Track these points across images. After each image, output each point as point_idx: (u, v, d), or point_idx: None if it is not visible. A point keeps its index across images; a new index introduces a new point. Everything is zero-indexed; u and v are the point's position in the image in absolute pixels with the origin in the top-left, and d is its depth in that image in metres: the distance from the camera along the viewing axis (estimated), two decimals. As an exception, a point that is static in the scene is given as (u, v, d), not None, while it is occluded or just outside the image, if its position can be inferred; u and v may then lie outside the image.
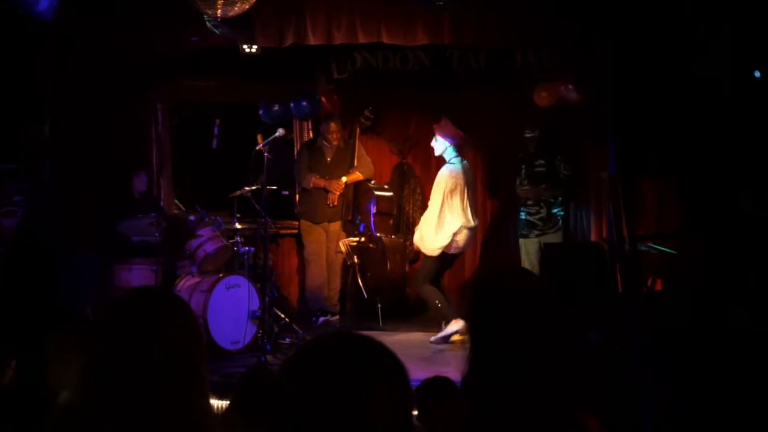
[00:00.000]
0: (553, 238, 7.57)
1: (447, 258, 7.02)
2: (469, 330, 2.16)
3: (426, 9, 6.16)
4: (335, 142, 8.10)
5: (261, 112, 8.43)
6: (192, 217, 7.24)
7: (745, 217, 5.69)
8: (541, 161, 7.66)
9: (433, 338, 6.93)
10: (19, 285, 5.50)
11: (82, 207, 6.63)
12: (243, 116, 8.76)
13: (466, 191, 6.92)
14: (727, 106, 5.76)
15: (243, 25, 6.25)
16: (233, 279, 6.80)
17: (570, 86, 7.40)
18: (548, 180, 7.59)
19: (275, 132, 6.74)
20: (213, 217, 7.20)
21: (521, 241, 7.78)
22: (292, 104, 8.28)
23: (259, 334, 6.59)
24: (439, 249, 6.88)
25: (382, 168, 8.77)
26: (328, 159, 8.13)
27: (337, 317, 8.21)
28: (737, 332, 4.68)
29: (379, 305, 7.83)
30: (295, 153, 8.66)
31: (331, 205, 8.04)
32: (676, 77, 5.85)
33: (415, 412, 3.13)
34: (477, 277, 8.34)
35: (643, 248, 6.11)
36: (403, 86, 8.57)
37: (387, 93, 8.70)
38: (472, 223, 6.94)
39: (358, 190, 8.33)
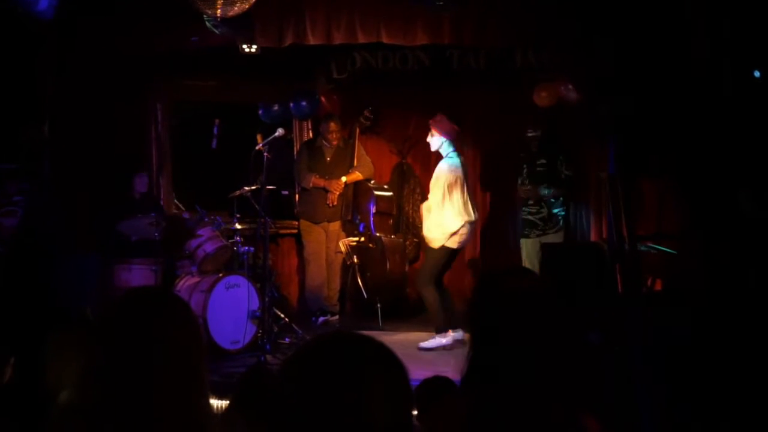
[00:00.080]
0: (554, 238, 7.57)
1: (451, 254, 7.00)
2: (470, 329, 2.16)
3: (426, 9, 6.16)
4: (335, 142, 8.10)
5: (260, 111, 8.43)
6: (186, 214, 7.23)
7: (745, 217, 5.69)
8: (543, 161, 7.66)
9: (421, 344, 6.90)
10: (19, 285, 5.50)
11: (82, 207, 6.64)
12: (242, 116, 8.76)
13: (465, 185, 6.92)
14: (727, 106, 5.76)
15: (242, 25, 6.25)
16: (233, 279, 6.80)
17: (570, 86, 7.40)
18: (549, 180, 7.59)
19: (275, 132, 6.74)
20: (213, 217, 7.19)
21: (522, 240, 7.78)
22: (291, 104, 8.28)
23: (259, 334, 6.59)
24: (446, 238, 6.84)
25: (381, 168, 8.77)
26: (328, 159, 8.13)
27: (337, 317, 8.21)
28: (737, 332, 4.68)
29: (378, 305, 7.83)
30: (295, 153, 8.66)
31: (330, 204, 8.04)
32: (676, 77, 5.85)
33: (415, 412, 3.13)
34: (479, 277, 8.33)
35: (642, 248, 6.11)
36: (402, 86, 8.57)
37: (387, 93, 8.70)
38: (473, 218, 6.94)
39: (358, 189, 8.33)
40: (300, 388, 1.41)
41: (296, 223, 8.50)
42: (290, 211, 8.66)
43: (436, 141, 7.01)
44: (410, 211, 8.80)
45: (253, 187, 7.00)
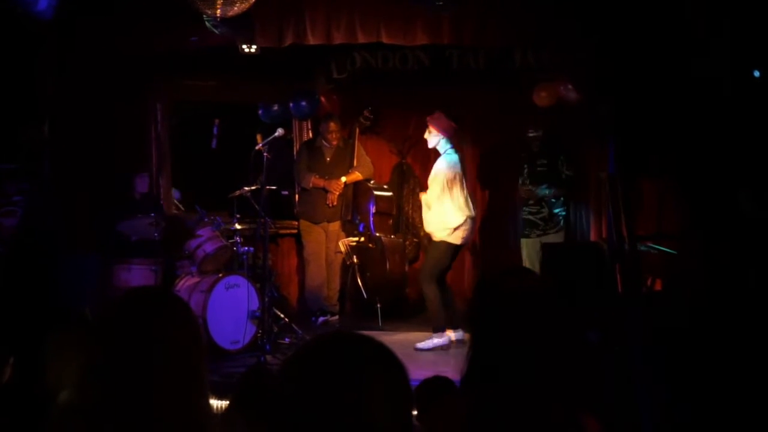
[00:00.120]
0: (555, 238, 7.57)
1: (454, 250, 7.01)
2: (470, 329, 2.16)
3: (425, 9, 6.16)
4: (335, 142, 8.10)
5: (260, 111, 8.43)
6: (176, 193, 7.21)
7: (745, 217, 5.69)
8: (544, 161, 7.67)
9: (418, 345, 6.90)
10: (18, 285, 5.50)
11: (82, 207, 6.63)
12: (242, 116, 8.76)
13: (464, 181, 6.95)
14: (727, 106, 5.76)
15: (242, 25, 6.25)
16: (233, 279, 6.80)
17: (569, 86, 7.39)
18: (550, 180, 7.59)
19: (275, 132, 6.74)
20: (212, 217, 7.19)
21: (522, 240, 7.78)
22: (291, 104, 8.28)
23: (259, 334, 6.59)
24: (449, 233, 6.85)
25: (381, 168, 8.77)
26: (328, 159, 8.13)
27: (337, 317, 8.21)
28: (737, 332, 4.68)
29: (378, 305, 7.83)
30: (295, 153, 8.66)
31: (330, 205, 8.04)
32: (676, 77, 5.85)
33: (415, 412, 3.13)
34: (479, 277, 8.32)
35: (642, 248, 6.11)
36: (402, 86, 8.57)
37: (386, 93, 8.70)
38: (473, 213, 6.96)
39: (358, 189, 8.33)
40: (300, 388, 1.41)
41: (296, 223, 8.50)
42: (290, 211, 8.66)
43: (434, 138, 7.02)
44: (410, 211, 8.79)
45: (253, 187, 7.00)
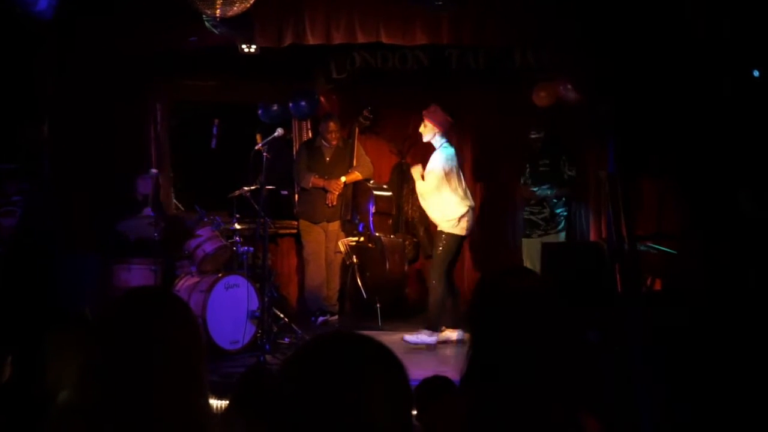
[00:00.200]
0: (556, 238, 7.57)
1: (460, 242, 7.03)
2: (470, 329, 2.16)
3: (425, 9, 6.16)
4: (334, 142, 8.10)
5: (260, 111, 8.43)
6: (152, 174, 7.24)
7: (745, 217, 5.69)
8: (546, 161, 7.67)
9: (406, 337, 6.91)
10: (18, 285, 5.50)
11: (82, 207, 6.63)
12: (242, 116, 8.75)
13: (461, 173, 6.98)
14: (727, 106, 5.76)
15: (242, 25, 6.25)
16: (232, 279, 6.79)
17: (569, 86, 7.40)
18: (552, 180, 7.60)
19: (274, 132, 6.73)
20: (212, 217, 7.19)
21: (523, 240, 7.79)
22: (291, 104, 8.28)
23: (258, 334, 6.59)
24: (453, 225, 6.87)
25: (381, 168, 8.76)
26: (327, 159, 8.12)
27: (336, 317, 8.20)
28: (737, 332, 4.68)
29: (378, 305, 7.82)
30: (294, 153, 8.66)
31: (330, 204, 8.03)
32: (676, 77, 5.85)
33: (415, 412, 3.13)
34: (480, 277, 8.31)
35: (642, 248, 6.11)
36: (402, 86, 8.57)
37: (386, 93, 8.69)
38: (473, 203, 7.02)
39: (357, 189, 8.32)
40: (300, 388, 1.41)
41: (295, 223, 8.50)
42: (289, 211, 8.66)
43: (430, 132, 7.04)
44: (410, 211, 8.79)
45: (253, 187, 7.00)
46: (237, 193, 7.17)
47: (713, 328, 4.76)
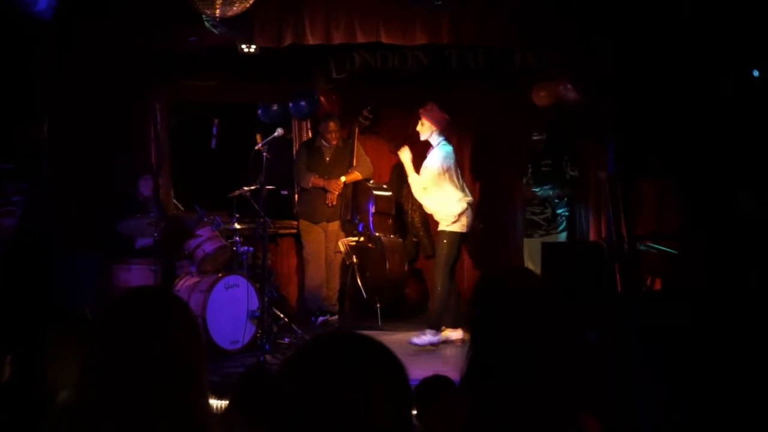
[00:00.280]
0: (557, 238, 7.57)
1: (461, 239, 7.04)
2: (470, 329, 2.15)
3: (425, 9, 6.15)
4: (334, 142, 8.10)
5: (260, 111, 8.42)
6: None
7: (745, 216, 5.69)
8: (548, 161, 7.67)
9: (413, 339, 6.91)
10: (17, 285, 5.50)
11: (81, 207, 6.63)
12: (242, 116, 8.75)
13: (459, 171, 6.99)
14: (727, 106, 5.76)
15: (241, 25, 6.24)
16: (232, 279, 6.79)
17: (568, 86, 7.40)
18: (554, 180, 7.60)
19: (274, 132, 6.73)
20: (212, 217, 7.19)
21: (525, 240, 7.80)
22: (290, 104, 8.27)
23: (258, 334, 6.59)
24: (452, 220, 6.88)
25: (381, 168, 8.76)
26: (327, 159, 8.12)
27: (336, 317, 8.20)
28: (737, 332, 4.68)
29: (378, 305, 7.82)
30: (294, 153, 8.65)
31: (330, 204, 8.03)
32: (676, 77, 5.85)
33: (415, 412, 3.13)
34: (480, 277, 8.31)
35: (642, 248, 6.11)
36: (401, 86, 8.56)
37: (386, 93, 8.69)
38: (471, 199, 7.03)
39: (357, 189, 8.32)
40: (299, 388, 1.41)
41: (295, 223, 8.50)
42: (289, 211, 8.66)
43: (427, 130, 7.05)
44: (410, 211, 8.78)
45: (253, 187, 7.00)
46: (237, 193, 7.17)
47: (713, 328, 4.76)
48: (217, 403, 3.54)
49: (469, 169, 8.64)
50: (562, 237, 7.64)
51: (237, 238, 7.16)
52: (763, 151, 5.72)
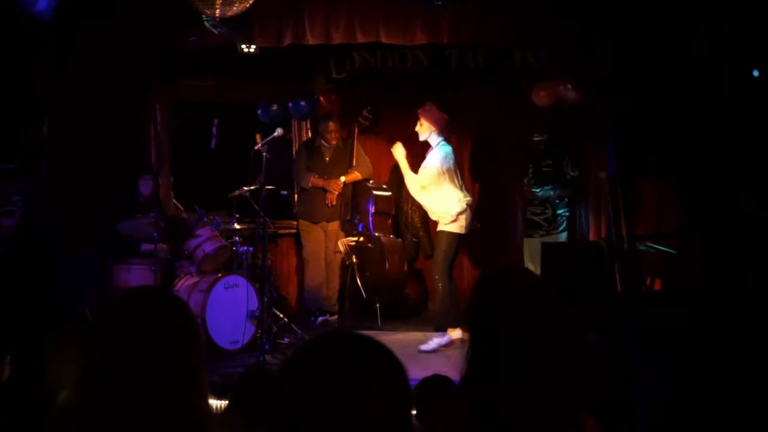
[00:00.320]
0: (558, 238, 7.57)
1: (459, 240, 7.04)
2: (469, 329, 2.15)
3: (425, 9, 6.15)
4: (334, 142, 8.10)
5: (259, 111, 8.42)
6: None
7: (745, 216, 5.69)
8: (549, 161, 7.66)
9: (422, 347, 6.89)
10: (17, 285, 5.50)
11: (81, 207, 6.63)
12: (241, 116, 8.75)
13: (458, 171, 6.98)
14: (726, 106, 5.75)
15: (241, 25, 6.24)
16: (232, 279, 6.79)
17: (568, 86, 7.39)
18: (555, 181, 7.60)
19: (274, 132, 6.73)
20: (212, 217, 7.19)
21: (525, 240, 7.80)
22: (290, 104, 8.27)
23: (258, 334, 6.59)
24: (451, 219, 6.88)
25: (380, 168, 8.76)
26: (327, 159, 8.12)
27: (336, 317, 8.21)
28: (737, 332, 4.68)
29: (377, 305, 7.82)
30: (294, 153, 8.66)
31: (329, 204, 8.03)
32: (676, 77, 5.85)
33: (415, 412, 3.13)
34: (479, 277, 8.30)
35: (642, 248, 6.11)
36: (401, 86, 8.56)
37: (385, 93, 8.69)
38: (470, 200, 7.03)
39: (357, 189, 8.32)
40: (299, 388, 1.41)
41: (295, 223, 8.50)
42: (289, 211, 8.66)
43: (426, 131, 7.04)
44: (409, 211, 8.78)
45: (252, 187, 7.00)
46: (236, 193, 7.17)
47: (713, 328, 4.76)
48: (217, 403, 3.54)
49: (469, 169, 8.64)
50: (563, 237, 7.64)
51: (237, 238, 7.16)
52: (763, 151, 5.72)
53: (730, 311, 4.93)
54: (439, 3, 5.90)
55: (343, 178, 8.05)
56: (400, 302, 8.35)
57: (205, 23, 6.08)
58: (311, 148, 8.24)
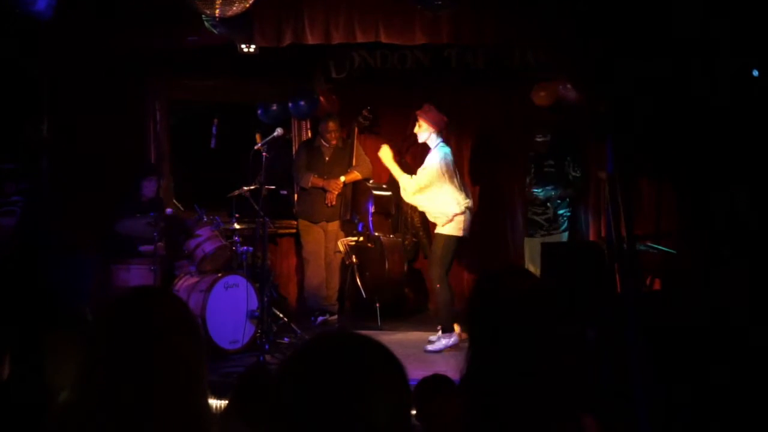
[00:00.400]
0: (559, 238, 7.56)
1: (458, 243, 7.02)
2: (469, 329, 2.16)
3: (424, 8, 6.15)
4: (333, 142, 8.10)
5: (259, 111, 8.42)
6: (169, 210, 7.26)
7: (744, 216, 5.70)
8: (551, 162, 7.66)
9: (428, 348, 6.89)
10: (17, 285, 5.50)
11: (81, 207, 6.63)
12: (241, 116, 8.75)
13: (458, 173, 6.97)
14: (726, 106, 5.76)
15: (241, 25, 6.24)
16: (232, 279, 6.80)
17: (568, 86, 7.39)
18: (557, 181, 7.59)
19: (273, 131, 6.73)
20: (211, 217, 7.19)
21: (526, 240, 7.80)
22: (290, 104, 8.27)
23: (258, 334, 6.59)
24: (447, 220, 6.87)
25: (380, 167, 8.74)
26: (327, 158, 8.12)
27: (336, 317, 8.21)
28: (737, 332, 4.68)
29: (377, 305, 7.82)
30: (294, 152, 8.66)
31: (329, 204, 8.03)
32: (675, 77, 5.85)
33: (414, 411, 3.13)
34: (478, 276, 8.30)
35: (641, 247, 6.11)
36: (401, 85, 8.57)
37: (385, 92, 8.69)
38: (470, 203, 6.99)
39: (357, 189, 8.33)
40: (298, 388, 1.41)
41: (295, 222, 8.50)
42: (289, 210, 8.66)
43: (425, 132, 7.03)
44: (409, 211, 8.78)
45: (252, 187, 7.00)
46: (236, 192, 7.17)
47: (712, 328, 4.76)
48: (216, 403, 3.54)
49: (469, 168, 8.64)
50: (564, 237, 7.64)
51: (236, 238, 7.16)
52: (761, 151, 5.72)
53: (729, 311, 4.93)
54: (439, 2, 5.90)
55: (342, 178, 8.05)
56: (400, 302, 8.36)
57: (205, 23, 6.08)
58: (311, 147, 8.24)
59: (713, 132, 5.86)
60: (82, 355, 2.01)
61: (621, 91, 5.98)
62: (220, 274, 6.78)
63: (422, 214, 8.24)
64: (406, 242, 8.62)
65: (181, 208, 8.36)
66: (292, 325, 7.19)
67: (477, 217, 7.49)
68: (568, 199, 7.68)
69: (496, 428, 1.96)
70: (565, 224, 7.65)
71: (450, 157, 6.95)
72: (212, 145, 8.45)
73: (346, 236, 8.25)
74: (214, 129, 8.40)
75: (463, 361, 2.08)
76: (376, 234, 8.10)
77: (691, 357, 4.54)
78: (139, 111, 8.22)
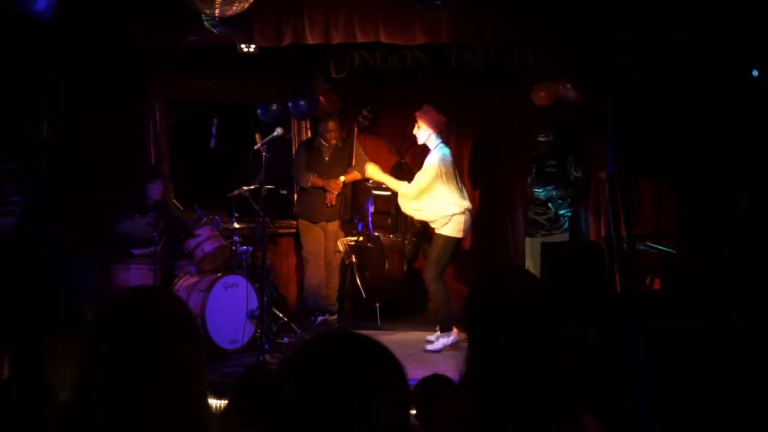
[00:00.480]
0: (559, 238, 7.56)
1: (456, 244, 7.01)
2: (468, 329, 2.15)
3: (424, 8, 6.15)
4: (333, 142, 8.09)
5: (259, 111, 8.42)
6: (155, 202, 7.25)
7: (743, 216, 5.70)
8: (552, 162, 7.66)
9: (428, 347, 6.89)
10: (17, 285, 5.50)
11: (82, 207, 6.63)
12: (241, 115, 8.75)
13: (457, 174, 6.96)
14: (726, 106, 5.76)
15: (241, 25, 6.24)
16: (231, 278, 6.80)
17: (568, 86, 7.39)
18: (558, 181, 7.59)
19: (273, 131, 6.73)
20: (211, 217, 7.18)
21: (527, 240, 7.81)
22: (290, 103, 8.27)
23: (258, 334, 6.59)
24: (445, 221, 6.86)
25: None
26: (327, 158, 8.12)
27: (336, 317, 8.20)
28: (737, 332, 4.68)
29: (377, 304, 7.82)
30: (293, 152, 8.65)
31: (329, 204, 8.03)
32: (675, 77, 5.85)
33: (414, 411, 3.13)
34: (477, 276, 8.31)
35: (641, 247, 6.11)
36: (401, 85, 8.57)
37: (385, 92, 8.69)
38: (469, 205, 6.98)
39: (357, 189, 8.32)
40: (298, 388, 1.41)
41: (295, 222, 8.49)
42: (289, 210, 8.65)
43: (424, 133, 7.02)
44: (409, 211, 8.78)
45: (252, 187, 7.00)
46: (236, 192, 7.17)
47: (712, 328, 4.76)
48: (216, 403, 3.54)
49: (469, 169, 8.64)
50: (565, 237, 7.64)
51: (236, 238, 7.16)
52: (761, 150, 5.72)
53: (729, 311, 4.93)
54: (439, 2, 5.90)
55: (342, 178, 8.05)
56: (400, 302, 8.36)
57: (205, 23, 6.08)
58: (311, 147, 8.24)
59: (713, 132, 5.86)
60: (82, 355, 2.01)
61: (621, 91, 5.98)
62: (219, 274, 6.78)
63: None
64: (406, 242, 8.61)
65: (181, 208, 8.35)
66: (292, 325, 7.19)
67: (477, 217, 7.51)
68: (569, 199, 7.68)
69: (496, 428, 1.96)
70: (566, 224, 7.65)
71: (449, 159, 6.94)
72: (212, 145, 8.44)
73: (346, 236, 8.25)
74: (213, 129, 8.40)
75: (463, 361, 2.08)
76: (376, 234, 8.10)
77: (691, 357, 4.54)
78: (139, 111, 8.23)
